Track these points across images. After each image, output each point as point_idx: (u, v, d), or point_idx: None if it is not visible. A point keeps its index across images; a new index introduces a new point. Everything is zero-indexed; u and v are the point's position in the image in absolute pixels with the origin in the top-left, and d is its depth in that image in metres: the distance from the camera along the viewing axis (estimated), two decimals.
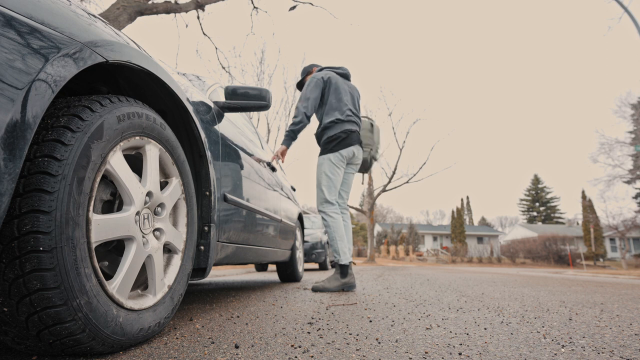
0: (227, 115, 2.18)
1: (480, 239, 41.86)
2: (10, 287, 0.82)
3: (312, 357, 1.03)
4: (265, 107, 2.23)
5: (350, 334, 1.33)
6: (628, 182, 29.29)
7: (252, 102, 2.20)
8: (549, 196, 54.25)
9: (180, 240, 1.37)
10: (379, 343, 1.20)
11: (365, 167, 3.64)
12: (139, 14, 7.53)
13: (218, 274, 6.36)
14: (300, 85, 3.63)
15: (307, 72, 3.60)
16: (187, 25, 10.01)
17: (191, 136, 1.62)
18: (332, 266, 10.31)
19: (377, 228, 42.10)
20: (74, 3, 1.01)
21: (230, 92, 2.18)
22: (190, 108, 1.51)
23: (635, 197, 33.45)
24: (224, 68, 11.30)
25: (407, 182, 24.12)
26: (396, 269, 9.99)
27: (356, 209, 25.96)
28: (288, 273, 4.09)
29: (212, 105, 1.99)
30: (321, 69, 3.43)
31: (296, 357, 1.03)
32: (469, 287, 3.63)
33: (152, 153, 1.22)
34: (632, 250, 34.12)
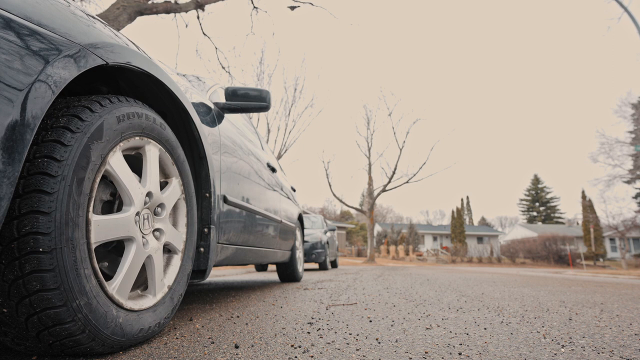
0: (227, 116, 2.18)
1: (480, 239, 41.82)
2: (10, 288, 0.82)
3: (312, 357, 1.03)
4: (266, 108, 2.26)
5: (350, 334, 1.33)
6: (628, 182, 29.26)
7: (252, 103, 2.22)
8: (549, 196, 54.23)
9: (180, 241, 1.37)
10: (379, 343, 1.20)
11: None
12: (139, 14, 7.54)
13: (218, 274, 6.36)
14: None
15: None
16: (187, 25, 10.02)
17: (191, 138, 1.61)
18: (333, 266, 10.30)
19: (377, 228, 42.05)
20: (72, 4, 1.01)
21: (231, 93, 2.20)
22: (190, 110, 1.51)
23: (635, 197, 33.45)
24: (223, 68, 11.30)
25: (407, 182, 24.10)
26: (396, 269, 9.99)
27: (356, 209, 25.96)
28: (288, 273, 4.09)
29: (212, 106, 1.99)
30: None
31: (296, 357, 1.03)
32: (468, 287, 3.63)
33: (152, 153, 1.22)
34: (632, 250, 34.10)
